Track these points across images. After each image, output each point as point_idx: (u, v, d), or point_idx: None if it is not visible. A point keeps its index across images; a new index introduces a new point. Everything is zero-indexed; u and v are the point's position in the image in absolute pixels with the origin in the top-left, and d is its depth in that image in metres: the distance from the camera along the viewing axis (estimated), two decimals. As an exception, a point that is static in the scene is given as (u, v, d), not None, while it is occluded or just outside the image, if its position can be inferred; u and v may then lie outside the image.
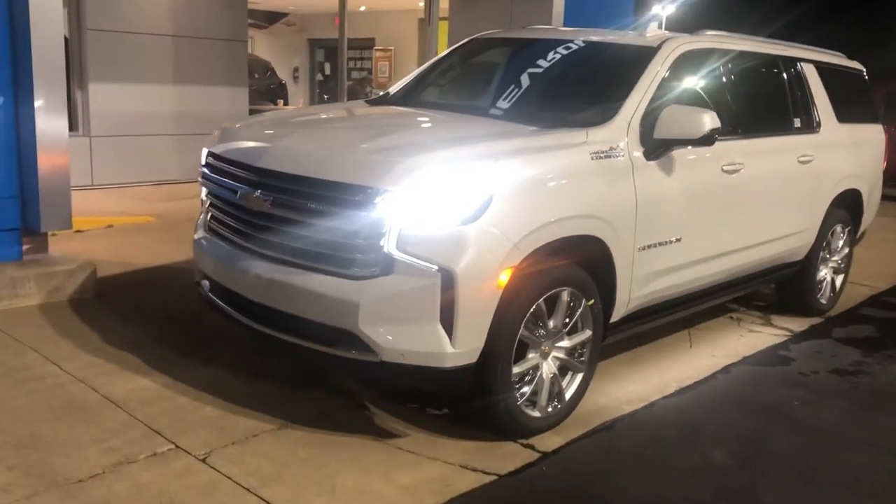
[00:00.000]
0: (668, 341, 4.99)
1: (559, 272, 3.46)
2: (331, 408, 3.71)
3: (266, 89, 17.71)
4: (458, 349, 3.14)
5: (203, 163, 3.87)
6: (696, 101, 4.23)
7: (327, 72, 22.43)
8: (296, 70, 24.06)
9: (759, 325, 5.54)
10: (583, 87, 4.39)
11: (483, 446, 3.43)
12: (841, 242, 5.95)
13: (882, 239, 8.69)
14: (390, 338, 3.12)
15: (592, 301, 3.65)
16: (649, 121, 3.87)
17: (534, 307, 3.37)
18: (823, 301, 5.84)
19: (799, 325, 5.56)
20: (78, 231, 6.84)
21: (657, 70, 4.07)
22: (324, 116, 4.45)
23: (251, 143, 3.64)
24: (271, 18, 22.63)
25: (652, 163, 3.88)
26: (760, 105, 4.88)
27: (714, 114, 3.81)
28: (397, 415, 3.67)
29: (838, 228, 5.84)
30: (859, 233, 6.30)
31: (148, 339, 4.41)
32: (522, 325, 3.33)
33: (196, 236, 3.97)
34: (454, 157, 3.26)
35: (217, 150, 3.77)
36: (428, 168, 3.15)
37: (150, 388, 3.77)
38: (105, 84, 8.63)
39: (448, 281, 3.06)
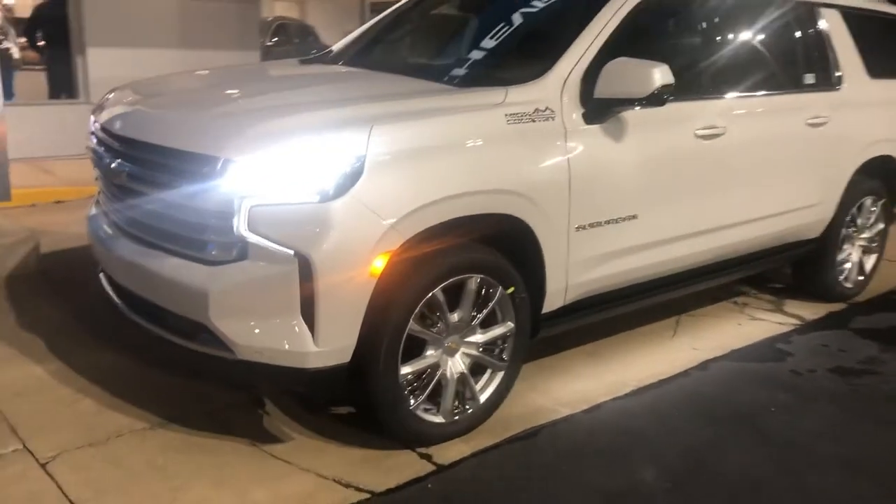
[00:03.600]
0: (649, 330, 4.40)
1: (460, 257, 2.95)
2: (222, 405, 3.32)
3: (307, 54, 17.36)
4: (323, 347, 2.68)
5: (90, 130, 3.51)
6: (659, 55, 3.58)
7: (383, 36, 21.94)
8: (350, 35, 23.68)
9: (766, 311, 4.86)
10: (527, 39, 3.78)
11: (372, 455, 2.99)
12: (872, 217, 5.18)
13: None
14: (246, 333, 2.69)
15: (512, 289, 3.13)
16: (594, 78, 3.28)
17: (428, 297, 2.88)
18: (848, 284, 5.11)
19: (814, 312, 4.86)
20: (58, 202, 6.69)
21: (609, 18, 3.45)
22: (222, 77, 3.99)
23: (122, 108, 3.25)
24: (325, -18, 22.24)
25: (594, 127, 3.29)
26: (754, 59, 4.16)
27: (666, 68, 3.18)
28: (294, 415, 3.26)
29: (868, 202, 5.07)
30: (899, 206, 5.49)
31: (68, 320, 4.12)
32: (412, 318, 2.86)
33: (90, 213, 3.63)
34: (317, 122, 2.75)
35: (99, 116, 3.40)
36: (281, 134, 2.67)
37: (34, 377, 3.48)
38: (106, 49, 8.39)
39: (306, 268, 2.61)
